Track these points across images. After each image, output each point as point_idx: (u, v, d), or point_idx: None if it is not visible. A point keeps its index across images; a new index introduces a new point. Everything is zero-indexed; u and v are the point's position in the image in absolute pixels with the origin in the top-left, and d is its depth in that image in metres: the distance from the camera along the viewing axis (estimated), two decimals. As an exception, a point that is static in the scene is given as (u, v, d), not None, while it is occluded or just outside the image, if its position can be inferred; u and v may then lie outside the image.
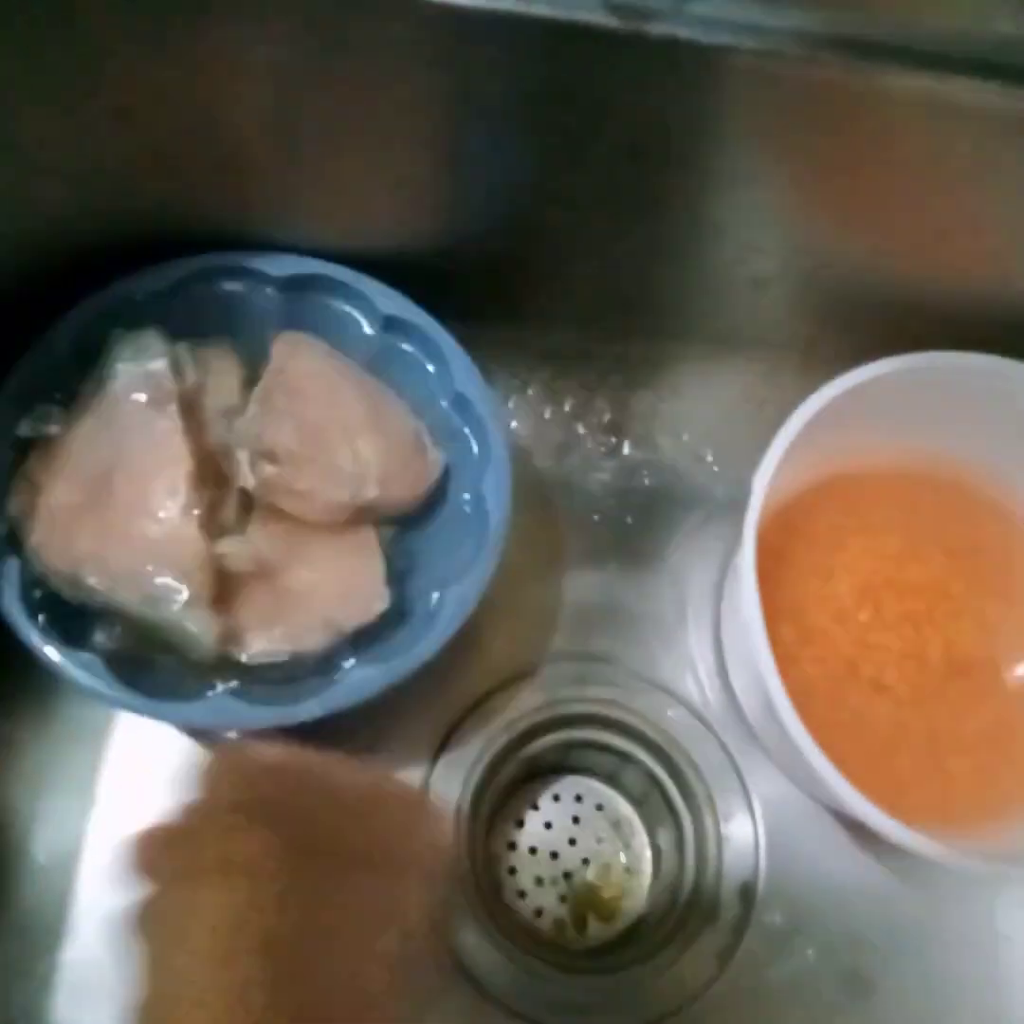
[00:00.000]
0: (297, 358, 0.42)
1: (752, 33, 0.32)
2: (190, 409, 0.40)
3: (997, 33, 0.35)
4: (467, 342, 0.43)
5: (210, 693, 0.37)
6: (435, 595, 0.40)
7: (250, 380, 0.42)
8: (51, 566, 0.36)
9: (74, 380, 0.40)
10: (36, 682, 0.41)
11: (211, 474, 0.40)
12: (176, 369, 0.40)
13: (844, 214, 0.40)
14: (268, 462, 0.41)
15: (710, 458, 0.49)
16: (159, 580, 0.37)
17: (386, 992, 0.26)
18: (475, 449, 0.42)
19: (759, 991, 0.40)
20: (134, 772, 0.42)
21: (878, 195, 0.39)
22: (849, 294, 0.44)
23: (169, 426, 0.39)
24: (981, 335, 0.42)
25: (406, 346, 0.43)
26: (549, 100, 0.37)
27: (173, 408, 0.39)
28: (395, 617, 0.41)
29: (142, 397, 0.39)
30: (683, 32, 0.32)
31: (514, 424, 0.49)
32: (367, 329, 0.43)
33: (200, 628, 0.38)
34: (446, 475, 0.43)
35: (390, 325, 0.43)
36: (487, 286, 0.45)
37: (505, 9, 0.33)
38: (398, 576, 0.42)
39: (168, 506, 0.38)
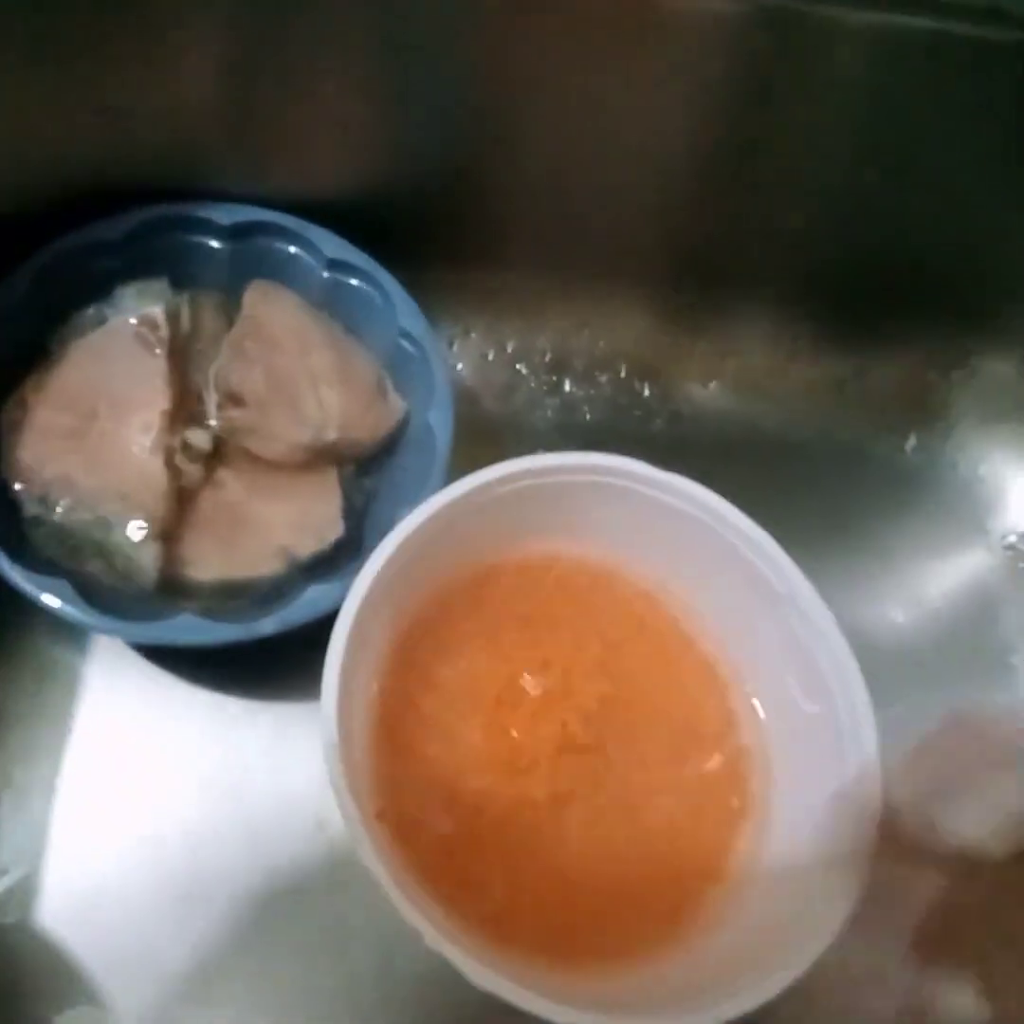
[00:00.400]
0: (268, 306, 0.45)
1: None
2: (178, 353, 0.43)
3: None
4: (410, 287, 0.45)
5: (175, 614, 0.39)
6: (387, 520, 0.42)
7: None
8: (26, 481, 0.39)
9: (32, 323, 0.42)
10: (7, 619, 0.43)
11: (186, 414, 0.43)
12: (173, 315, 0.43)
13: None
14: (234, 405, 0.43)
15: (648, 393, 0.52)
16: (116, 507, 0.40)
17: None
18: (420, 381, 0.44)
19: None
20: (109, 708, 0.44)
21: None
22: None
23: (155, 367, 0.42)
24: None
25: (353, 283, 0.45)
26: (483, 44, 0.39)
27: (162, 351, 0.42)
28: (352, 547, 0.43)
29: (136, 335, 0.42)
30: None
31: (459, 366, 0.51)
32: (314, 270, 0.45)
33: (146, 558, 0.40)
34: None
35: (335, 267, 0.45)
36: (428, 231, 0.47)
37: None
38: (357, 511, 0.44)
39: (140, 441, 0.41)
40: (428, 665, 0.39)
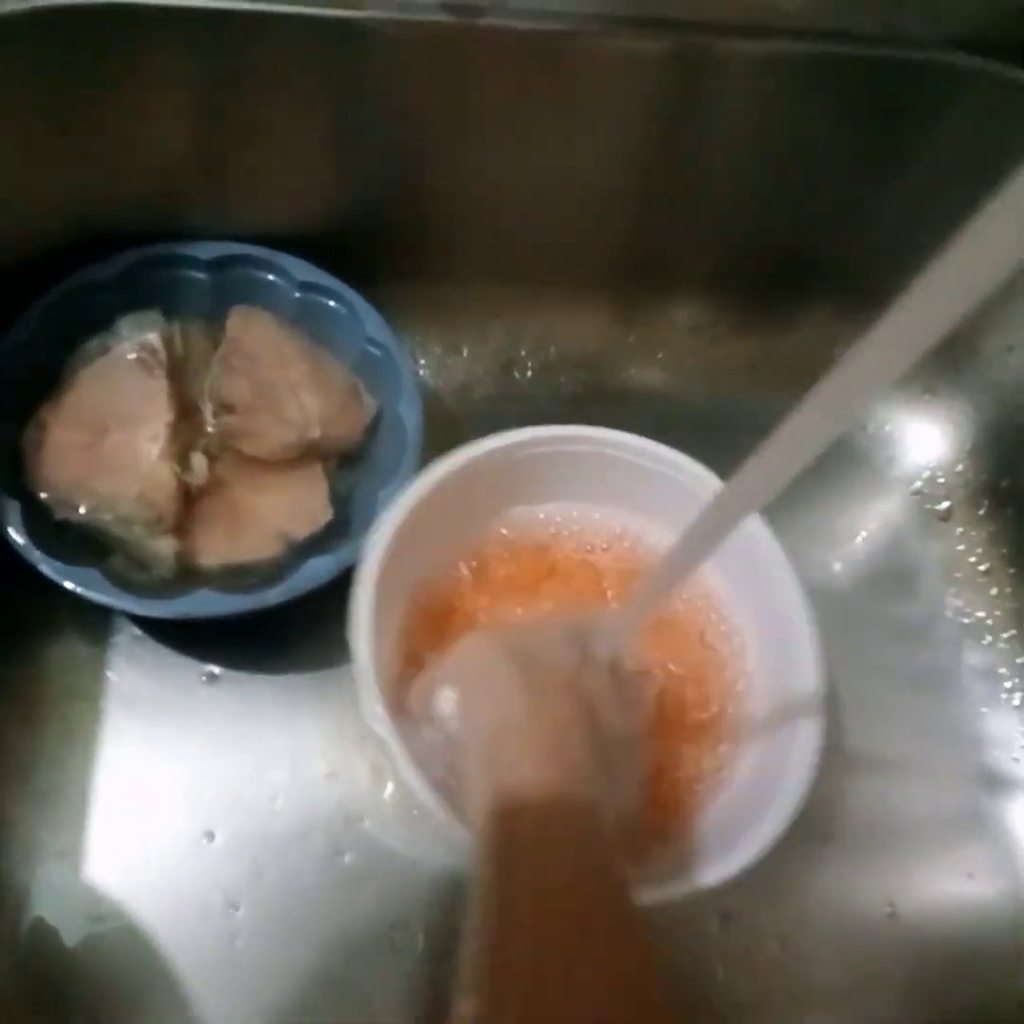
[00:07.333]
0: (249, 327, 0.51)
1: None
2: (175, 373, 0.49)
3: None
4: (371, 304, 0.52)
5: (195, 590, 0.44)
6: (369, 502, 0.48)
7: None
8: (50, 489, 0.45)
9: (43, 355, 0.48)
10: (38, 618, 0.48)
11: (187, 425, 0.49)
12: (168, 341, 0.49)
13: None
14: (227, 412, 0.49)
15: (589, 381, 0.59)
16: (133, 507, 0.45)
17: None
18: (388, 380, 0.50)
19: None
20: (133, 692, 0.49)
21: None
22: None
23: (157, 385, 0.48)
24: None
25: (324, 303, 0.52)
26: (422, 90, 0.46)
27: (161, 372, 0.48)
28: (341, 528, 0.49)
29: (137, 360, 0.48)
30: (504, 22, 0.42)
31: (421, 372, 0.58)
32: (287, 293, 0.52)
33: (164, 548, 0.46)
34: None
35: (306, 288, 0.51)
36: (384, 254, 0.54)
37: (365, 17, 0.43)
38: (342, 497, 0.50)
39: (149, 449, 0.46)
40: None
